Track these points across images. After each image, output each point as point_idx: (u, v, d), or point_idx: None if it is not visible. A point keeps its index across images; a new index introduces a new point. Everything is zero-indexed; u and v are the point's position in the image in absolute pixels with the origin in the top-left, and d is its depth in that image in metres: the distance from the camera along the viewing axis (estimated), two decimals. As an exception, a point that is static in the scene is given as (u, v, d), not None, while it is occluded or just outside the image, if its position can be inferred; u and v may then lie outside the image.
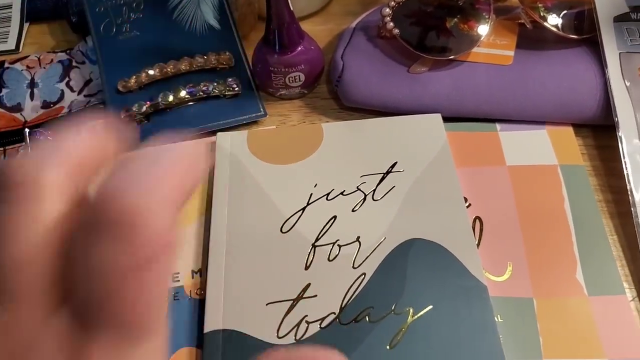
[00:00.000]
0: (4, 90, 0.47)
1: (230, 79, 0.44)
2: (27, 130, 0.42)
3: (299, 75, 0.43)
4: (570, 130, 0.42)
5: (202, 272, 0.36)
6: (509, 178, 0.39)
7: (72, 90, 0.47)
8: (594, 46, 0.42)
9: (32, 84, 0.47)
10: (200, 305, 0.35)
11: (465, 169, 0.40)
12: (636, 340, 0.32)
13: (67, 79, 0.47)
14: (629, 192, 0.37)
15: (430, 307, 0.33)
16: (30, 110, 0.46)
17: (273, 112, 0.45)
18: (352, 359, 0.31)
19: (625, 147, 0.38)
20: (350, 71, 0.42)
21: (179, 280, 0.36)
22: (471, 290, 0.33)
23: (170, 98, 0.43)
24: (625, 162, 0.38)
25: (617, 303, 0.34)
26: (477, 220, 0.37)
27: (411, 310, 0.33)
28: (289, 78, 0.43)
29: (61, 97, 0.47)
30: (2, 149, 0.44)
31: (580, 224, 0.37)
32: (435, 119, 0.41)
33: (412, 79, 0.42)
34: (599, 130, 0.42)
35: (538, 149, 0.41)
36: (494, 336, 0.32)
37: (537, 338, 0.33)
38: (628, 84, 0.40)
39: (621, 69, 0.41)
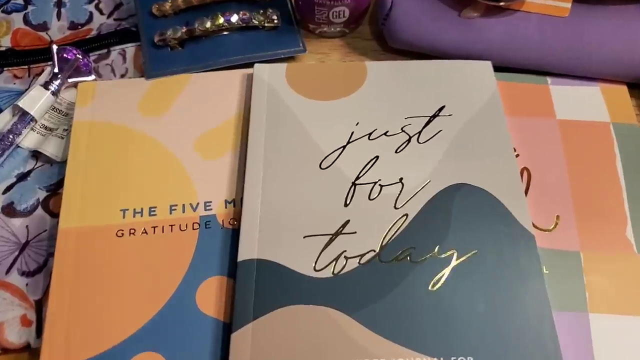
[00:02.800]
0: (30, 7, 0.45)
1: (270, 10, 0.42)
2: (54, 47, 0.40)
3: (344, 10, 0.41)
4: (624, 88, 0.40)
5: (235, 202, 0.34)
6: (558, 131, 0.37)
7: (101, 13, 0.45)
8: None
9: (60, 3, 0.45)
10: (233, 235, 0.33)
11: (514, 119, 0.38)
12: (687, 300, 0.31)
13: (96, 0, 0.45)
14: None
15: (476, 251, 0.31)
16: (57, 30, 0.44)
17: (312, 50, 0.43)
18: (392, 297, 0.30)
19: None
20: (399, 9, 0.40)
21: (211, 209, 0.34)
22: (518, 238, 0.32)
23: (208, 24, 0.40)
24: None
25: (668, 263, 0.32)
26: (525, 171, 0.36)
27: (455, 254, 0.31)
28: (332, 13, 0.41)
29: (89, 19, 0.44)
30: (26, 67, 0.42)
31: (632, 183, 0.35)
32: (485, 66, 0.39)
33: (463, 23, 0.40)
34: (654, 91, 0.40)
35: (590, 105, 0.39)
36: (540, 285, 0.30)
37: (583, 292, 0.32)
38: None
39: (684, 28, 0.39)
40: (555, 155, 0.36)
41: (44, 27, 0.44)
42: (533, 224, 0.34)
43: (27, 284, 0.33)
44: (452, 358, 0.29)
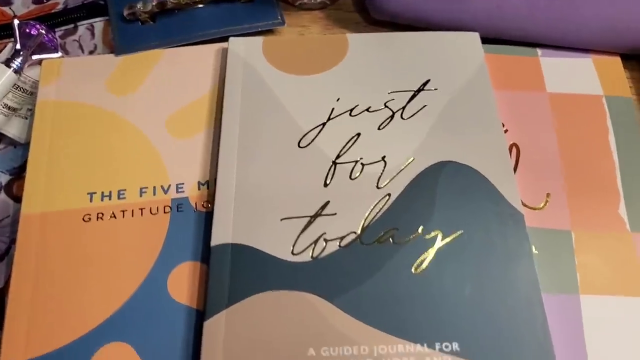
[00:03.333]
0: (-8, -19, 0.42)
1: (246, -19, 0.40)
2: (16, 21, 0.38)
3: (324, -19, 0.38)
4: (618, 60, 0.38)
5: (209, 184, 0.32)
6: (549, 105, 0.36)
7: (68, -14, 0.42)
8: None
9: (24, -24, 0.42)
10: (207, 218, 0.31)
11: (502, 93, 0.36)
12: (682, 280, 0.30)
13: (63, -27, 0.42)
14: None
15: (461, 232, 0.30)
16: (21, 4, 0.41)
17: (291, 23, 0.41)
18: (374, 281, 0.28)
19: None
20: (382, -22, 0.38)
21: (183, 191, 0.32)
22: (506, 218, 0.30)
23: (180, -4, 0.38)
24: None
25: (662, 241, 0.31)
26: (514, 147, 0.34)
27: (440, 234, 0.30)
28: (312, -17, 0.39)
29: (56, -8, 0.42)
30: (-11, 45, 0.39)
31: (625, 158, 0.34)
32: (472, 37, 0.37)
33: (449, -8, 0.38)
34: (648, 63, 0.38)
35: (582, 77, 0.37)
36: (530, 266, 0.29)
37: (574, 272, 0.30)
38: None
39: (680, -5, 0.37)
40: (545, 130, 0.35)
41: (6, 1, 0.41)
42: (522, 203, 0.32)
43: (-12, 273, 0.31)
44: (437, 344, 0.27)
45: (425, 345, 0.27)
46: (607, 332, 0.29)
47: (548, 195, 0.33)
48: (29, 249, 0.30)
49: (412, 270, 0.29)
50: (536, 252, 0.31)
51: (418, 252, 0.29)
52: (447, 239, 0.30)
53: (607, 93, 0.36)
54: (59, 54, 0.38)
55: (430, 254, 0.29)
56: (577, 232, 0.31)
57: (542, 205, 0.32)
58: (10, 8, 0.41)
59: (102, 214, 0.31)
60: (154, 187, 0.32)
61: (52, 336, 0.28)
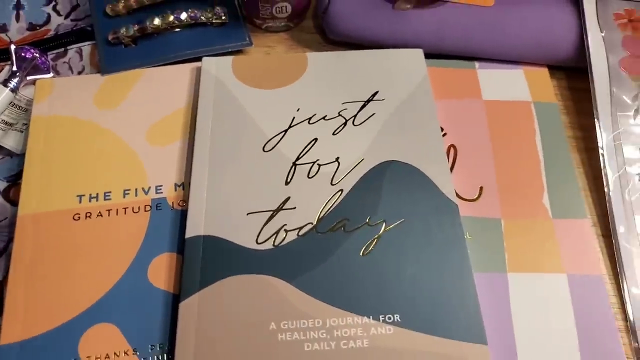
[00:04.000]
0: (-11, 11, 0.47)
1: (218, 8, 0.44)
2: (12, 46, 0.42)
3: (286, 6, 0.44)
4: (545, 70, 0.43)
5: (184, 185, 0.37)
6: (484, 110, 0.41)
7: (58, 14, 0.47)
8: (573, -10, 0.43)
9: (18, 6, 0.47)
10: (182, 215, 0.36)
11: (443, 101, 0.41)
12: (593, 256, 0.35)
13: (53, 2, 0.47)
14: (597, 129, 0.39)
15: (403, 220, 0.34)
16: (16, 31, 0.46)
17: (258, 43, 0.46)
18: (328, 264, 0.33)
19: (597, 87, 0.40)
20: (336, 4, 0.43)
21: (162, 192, 0.37)
22: (443, 208, 0.35)
23: (158, 22, 0.43)
24: (595, 101, 0.40)
25: (579, 226, 0.36)
26: (452, 148, 0.39)
27: (384, 223, 0.34)
28: (275, 8, 0.44)
29: (47, 20, 0.47)
30: (-13, 68, 0.44)
31: (549, 155, 0.39)
32: (416, 53, 0.42)
33: (396, 15, 0.43)
34: (573, 73, 0.43)
35: (514, 86, 0.42)
36: (463, 249, 0.33)
37: (502, 254, 0.35)
38: (602, 29, 0.42)
39: (597, 14, 0.42)
40: (480, 132, 0.40)
41: (3, 28, 0.46)
42: (459, 195, 0.37)
43: (-11, 268, 0.35)
44: (381, 316, 0.31)
45: (371, 317, 0.31)
46: (530, 304, 0.33)
47: (481, 188, 0.37)
48: (25, 245, 0.34)
49: (360, 254, 0.33)
50: (470, 237, 0.35)
51: (365, 239, 0.34)
52: (390, 226, 0.34)
53: (535, 99, 0.41)
54: (51, 74, 0.43)
55: (375, 239, 0.34)
56: (506, 219, 0.36)
57: (476, 197, 0.37)
58: (6, 35, 0.45)
59: (90, 213, 0.36)
60: (136, 189, 0.37)
61: (45, 319, 0.32)
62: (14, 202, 0.38)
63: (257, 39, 0.46)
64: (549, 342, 0.32)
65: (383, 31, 0.43)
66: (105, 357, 0.31)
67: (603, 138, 0.39)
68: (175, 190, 0.37)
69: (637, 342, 0.33)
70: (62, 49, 0.45)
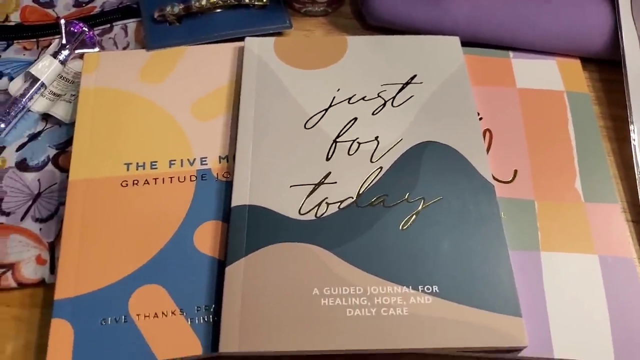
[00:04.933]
0: (37, -13, 0.48)
1: (260, -10, 0.46)
2: (62, 21, 0.44)
3: (327, -9, 0.45)
4: (578, 62, 0.44)
5: (228, 158, 0.38)
6: (518, 98, 0.42)
7: (103, -8, 0.48)
8: (608, -15, 0.44)
9: (65, -17, 0.48)
10: (226, 187, 0.37)
11: (478, 88, 0.42)
12: (624, 240, 0.36)
13: (98, -19, 0.49)
14: (629, 120, 0.40)
15: (441, 197, 0.36)
16: (63, 7, 0.47)
17: (297, 27, 0.47)
18: (368, 235, 0.34)
19: (630, 80, 0.41)
20: (377, -10, 0.44)
21: (206, 164, 0.38)
22: (479, 188, 0.36)
23: (203, 2, 0.44)
24: (628, 92, 0.41)
25: (610, 210, 0.37)
26: (487, 132, 0.40)
27: (423, 200, 0.35)
28: (317, -7, 0.45)
29: (92, -3, 0.48)
30: (35, 40, 0.45)
31: (582, 142, 0.40)
32: (453, 41, 0.43)
33: (434, 3, 0.44)
34: (605, 66, 0.45)
35: (547, 76, 0.43)
36: (498, 227, 0.34)
37: (536, 233, 0.36)
38: (636, 22, 0.43)
39: (631, 8, 0.43)
40: (514, 118, 0.41)
41: (50, 4, 0.47)
42: (494, 177, 0.38)
43: (40, 229, 0.37)
44: (420, 286, 0.33)
45: (410, 287, 0.33)
46: (563, 282, 0.34)
47: (515, 171, 0.38)
48: (76, 209, 0.36)
49: (400, 227, 0.34)
50: (505, 216, 0.36)
51: (404, 214, 0.35)
52: (429, 203, 0.35)
53: (568, 89, 0.42)
54: (97, 49, 0.44)
55: (414, 215, 0.35)
56: (539, 201, 0.37)
57: (510, 179, 0.38)
58: (53, 10, 0.47)
59: (137, 181, 0.37)
60: (181, 160, 0.38)
61: (97, 278, 0.33)
62: (63, 169, 0.39)
63: (296, 23, 0.47)
64: (581, 319, 0.33)
65: (421, 18, 0.44)
66: (154, 316, 0.32)
67: (635, 128, 0.40)
68: (220, 162, 0.38)
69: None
70: (108, 25, 0.46)
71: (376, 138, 0.38)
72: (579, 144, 0.40)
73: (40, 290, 0.35)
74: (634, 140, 0.40)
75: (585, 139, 0.40)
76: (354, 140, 0.38)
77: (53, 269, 0.35)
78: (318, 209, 0.35)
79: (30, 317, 0.34)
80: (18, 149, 0.40)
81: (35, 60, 0.43)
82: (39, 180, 0.38)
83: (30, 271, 0.35)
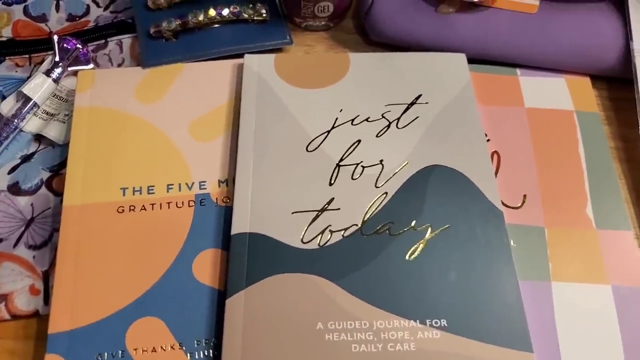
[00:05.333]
0: (30, 0, 0.47)
1: (259, 4, 0.44)
2: (55, 37, 0.42)
3: (328, 6, 0.43)
4: (587, 80, 0.43)
5: (228, 182, 0.37)
6: (526, 118, 0.41)
7: (98, 5, 0.47)
8: (619, 0, 0.43)
9: (59, -4, 0.47)
10: (226, 212, 0.36)
11: (485, 107, 0.41)
12: (638, 269, 0.35)
13: (93, -6, 0.47)
14: (640, 139, 0.39)
15: (448, 225, 0.34)
16: (56, 22, 0.46)
17: (298, 42, 0.46)
18: (372, 265, 0.33)
19: (640, 98, 0.40)
20: (379, 5, 0.43)
21: (205, 188, 0.37)
22: (487, 214, 0.35)
23: (201, 17, 0.43)
24: None
25: (623, 237, 0.36)
26: (495, 155, 0.39)
27: (430, 228, 0.34)
28: (317, 7, 0.44)
29: (87, 11, 0.47)
30: (27, 56, 0.44)
31: (592, 165, 0.39)
32: (459, 58, 0.42)
33: (439, 19, 0.43)
34: (615, 83, 0.43)
35: (556, 94, 0.42)
36: (507, 256, 0.33)
37: (546, 262, 0.35)
38: (647, 39, 0.42)
39: (641, 25, 0.42)
40: (523, 140, 0.40)
41: (43, 18, 0.46)
42: (502, 202, 0.37)
43: (34, 257, 0.35)
44: (428, 320, 0.31)
45: (417, 321, 0.31)
46: (575, 314, 0.33)
47: (525, 196, 0.37)
48: (70, 236, 0.34)
49: (406, 257, 0.33)
50: (514, 244, 0.35)
51: (411, 243, 0.34)
52: (436, 232, 0.34)
53: (577, 108, 0.41)
54: (92, 65, 0.43)
55: (421, 244, 0.34)
56: (549, 228, 0.36)
57: (519, 204, 0.37)
58: (46, 25, 0.45)
59: (134, 207, 0.36)
60: (179, 184, 0.37)
61: (92, 310, 0.32)
62: (57, 192, 0.38)
63: (296, 38, 0.46)
64: (594, 353, 0.32)
65: (425, 34, 0.43)
66: (152, 350, 0.31)
67: (645, 149, 0.39)
68: (219, 186, 0.37)
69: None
70: (103, 41, 0.45)
71: (381, 162, 0.37)
72: (589, 167, 0.39)
73: (33, 321, 0.34)
74: (646, 162, 0.38)
75: (596, 161, 0.39)
76: (358, 164, 0.37)
77: (47, 300, 0.34)
78: (321, 237, 0.34)
79: (24, 350, 0.33)
80: (10, 172, 0.38)
81: (28, 78, 0.41)
82: (32, 204, 0.37)
83: (24, 302, 0.34)
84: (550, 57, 0.42)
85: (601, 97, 0.43)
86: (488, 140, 0.40)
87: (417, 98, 0.40)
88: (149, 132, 0.39)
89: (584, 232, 0.36)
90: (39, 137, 0.40)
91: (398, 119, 0.39)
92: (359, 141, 0.38)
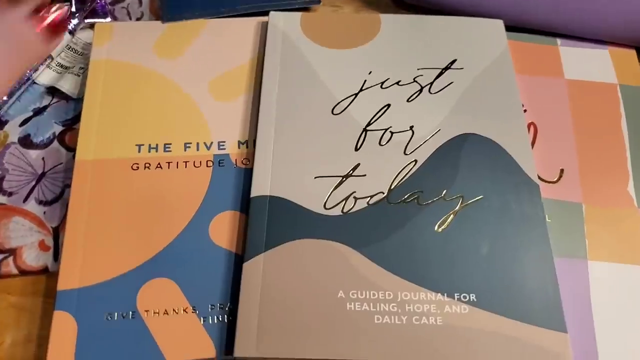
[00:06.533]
0: (47, -51, 0.45)
1: (287, -39, 0.42)
2: (72, -14, 0.40)
3: (361, -36, 0.41)
4: (633, 52, 0.40)
5: (248, 143, 0.35)
6: (566, 90, 0.38)
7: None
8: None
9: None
10: (246, 174, 0.34)
11: (523, 77, 0.38)
12: (682, 251, 0.32)
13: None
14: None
15: (481, 197, 0.32)
16: (73, -28, 0.44)
17: (325, 2, 0.44)
18: (399, 235, 0.31)
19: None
20: (415, -36, 0.40)
21: (224, 148, 0.35)
22: (523, 187, 0.33)
23: (225, -29, 0.41)
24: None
25: (666, 218, 0.34)
26: (532, 126, 0.37)
27: (462, 198, 0.32)
28: (349, -34, 0.41)
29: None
30: (42, 6, 0.42)
31: (636, 142, 0.36)
32: (497, 24, 0.40)
33: (477, -19, 0.40)
34: (661, 57, 0.41)
35: (598, 66, 0.39)
36: (543, 231, 0.31)
37: (583, 240, 0.33)
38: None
39: (695, -6, 0.39)
40: (562, 112, 0.37)
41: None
42: (538, 176, 0.35)
43: (44, 212, 0.34)
44: (456, 294, 0.30)
45: (445, 294, 0.30)
46: (611, 295, 0.31)
47: (562, 170, 0.35)
48: (82, 192, 0.33)
49: (435, 228, 0.31)
50: (549, 220, 0.33)
51: (441, 213, 0.32)
52: (468, 202, 0.32)
53: (621, 82, 0.39)
54: (109, 19, 0.41)
55: (451, 215, 0.32)
56: (587, 205, 0.34)
57: (556, 179, 0.35)
58: (63, -25, 0.43)
59: (149, 164, 0.34)
60: (197, 143, 0.35)
61: (103, 269, 0.31)
62: (70, 148, 0.36)
63: (324, -2, 0.43)
64: (630, 337, 0.30)
65: (462, -3, 0.40)
66: (164, 313, 0.30)
67: (692, 127, 0.36)
68: (239, 147, 0.35)
69: None
70: (122, -6, 0.43)
71: (411, 128, 0.35)
72: (632, 143, 0.36)
73: (42, 278, 0.33)
74: (693, 140, 0.36)
75: None
76: (386, 130, 0.35)
77: (57, 256, 0.32)
78: (345, 203, 0.32)
79: (31, 307, 0.32)
80: (22, 124, 0.37)
81: (43, 28, 0.39)
82: (43, 158, 0.36)
83: (33, 258, 0.32)
84: (594, 26, 0.40)
85: (646, 71, 0.40)
86: (525, 111, 0.37)
87: (452, 63, 0.38)
88: (167, 88, 0.37)
89: (624, 211, 0.34)
90: (52, 90, 0.38)
91: (431, 83, 0.37)
92: (389, 105, 0.36)
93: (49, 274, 0.32)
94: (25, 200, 0.34)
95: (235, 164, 0.34)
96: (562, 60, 0.40)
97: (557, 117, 0.37)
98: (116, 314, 0.30)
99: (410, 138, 0.34)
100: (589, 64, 0.40)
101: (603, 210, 0.34)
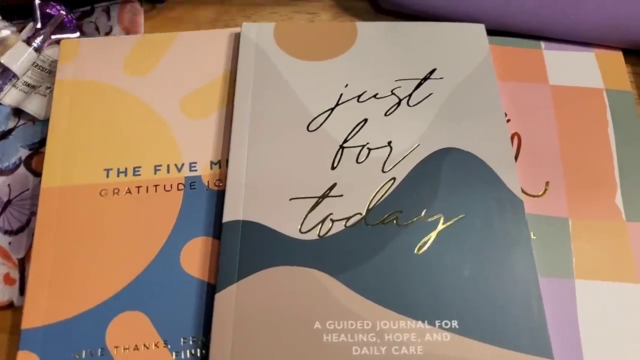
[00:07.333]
0: (11, -39, 0.43)
1: (260, -32, 0.40)
2: (37, 1, 0.39)
3: (336, -30, 0.39)
4: (620, 55, 0.39)
5: (221, 163, 0.34)
6: (551, 97, 0.37)
7: (85, -32, 0.43)
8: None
9: (42, -43, 0.43)
10: (218, 196, 0.33)
11: (506, 84, 0.37)
12: (672, 267, 0.31)
13: (80, -45, 0.43)
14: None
15: (463, 215, 0.31)
16: (39, -15, 0.42)
17: (301, 9, 0.42)
18: (378, 259, 0.30)
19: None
20: (392, -32, 0.39)
21: (196, 170, 0.33)
22: (506, 204, 0.31)
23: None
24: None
25: (655, 230, 0.32)
26: (516, 136, 0.35)
27: (442, 218, 0.31)
28: (324, -28, 0.39)
29: (73, -26, 0.43)
30: (7, 23, 0.40)
31: (623, 150, 0.35)
32: (478, 29, 0.38)
33: (457, -16, 0.39)
34: (650, 59, 0.39)
35: (584, 70, 0.38)
36: (527, 250, 0.30)
37: (569, 257, 0.32)
38: (689, 8, 0.37)
39: (683, -7, 0.38)
40: (546, 120, 0.36)
41: (25, -19, 0.42)
42: (522, 190, 0.33)
43: (9, 243, 0.33)
44: (437, 321, 0.28)
45: (426, 322, 0.28)
46: (599, 316, 0.30)
47: (547, 183, 0.34)
48: (49, 221, 0.31)
49: (415, 251, 0.30)
50: (534, 237, 0.32)
51: (421, 234, 0.31)
52: (449, 222, 0.31)
53: (608, 86, 0.37)
54: (77, 34, 0.39)
55: (432, 236, 0.31)
56: (574, 219, 0.33)
57: (541, 193, 0.34)
58: (28, -12, 0.42)
59: (118, 190, 0.33)
60: (168, 165, 0.33)
61: (70, 304, 0.29)
62: (37, 173, 0.35)
63: (299, 5, 0.42)
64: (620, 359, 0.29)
65: (443, 2, 0.39)
66: (134, 348, 0.29)
67: (682, 133, 0.35)
68: (211, 168, 0.33)
69: None
70: (88, 7, 0.41)
71: (389, 143, 0.33)
72: (619, 152, 0.35)
73: (8, 313, 0.31)
74: (683, 147, 0.35)
75: (627, 146, 0.35)
76: (363, 146, 0.33)
77: (23, 290, 0.31)
78: (322, 226, 0.31)
79: (-2, 343, 0.31)
80: (-14, 150, 0.35)
81: (7, 47, 0.38)
82: (9, 185, 0.34)
83: (-3, 292, 0.31)
84: (579, 28, 0.38)
85: (634, 74, 0.39)
86: (508, 120, 0.36)
87: (431, 73, 0.36)
88: (136, 107, 0.35)
89: (612, 224, 0.32)
90: (18, 112, 0.37)
91: (409, 95, 0.35)
92: (366, 120, 0.34)
93: (14, 309, 0.31)
94: (-10, 230, 0.33)
95: (208, 186, 0.33)
96: (547, 65, 0.38)
97: (542, 126, 0.36)
98: (84, 351, 0.28)
99: (389, 154, 0.33)
100: (574, 68, 0.38)
101: (590, 224, 0.32)
